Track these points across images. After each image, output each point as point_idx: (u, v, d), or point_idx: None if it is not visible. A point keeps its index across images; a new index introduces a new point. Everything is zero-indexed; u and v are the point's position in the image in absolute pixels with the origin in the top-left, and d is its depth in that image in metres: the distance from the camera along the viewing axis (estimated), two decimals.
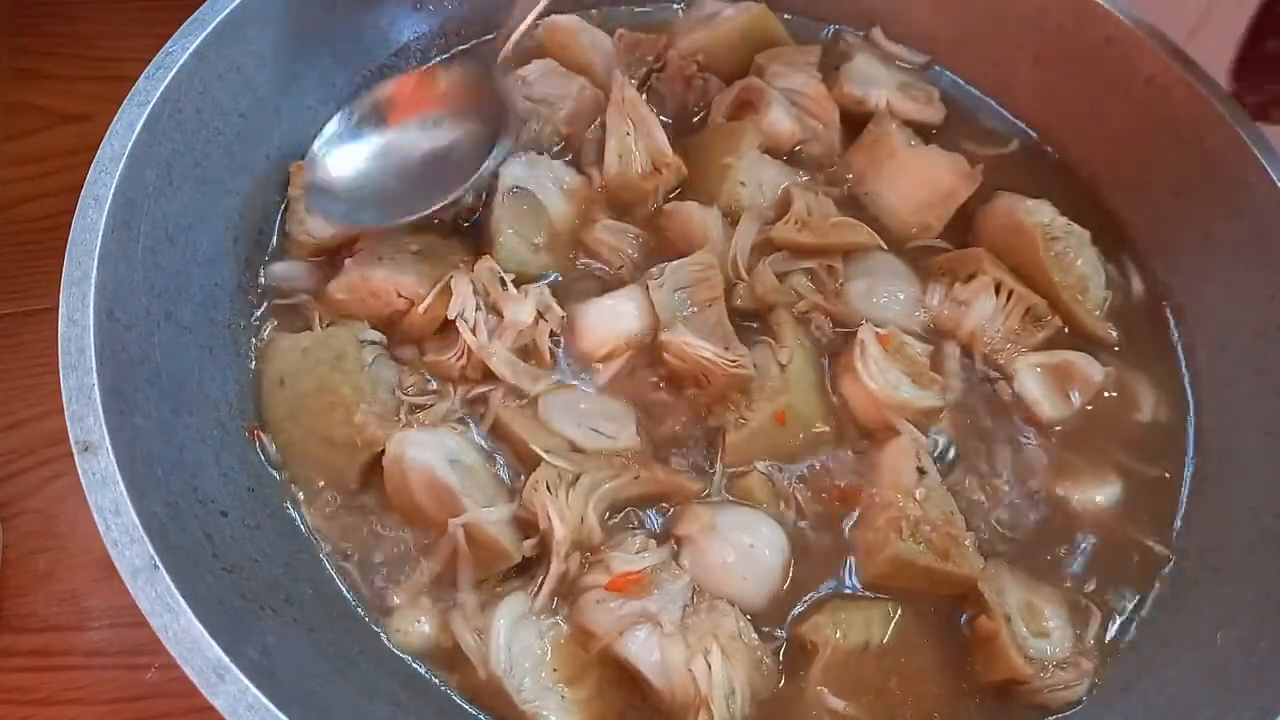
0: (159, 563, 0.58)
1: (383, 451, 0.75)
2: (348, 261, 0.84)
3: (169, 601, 0.57)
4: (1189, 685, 0.72)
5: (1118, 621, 0.78)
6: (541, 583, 0.71)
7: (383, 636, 0.72)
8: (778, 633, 0.74)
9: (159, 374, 0.71)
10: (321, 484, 0.77)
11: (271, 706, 0.55)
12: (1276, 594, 0.73)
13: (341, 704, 0.64)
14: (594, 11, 1.07)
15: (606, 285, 0.87)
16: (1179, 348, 0.91)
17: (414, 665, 0.71)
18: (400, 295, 0.82)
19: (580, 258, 0.89)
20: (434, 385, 0.81)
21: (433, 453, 0.73)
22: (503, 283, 0.81)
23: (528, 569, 0.73)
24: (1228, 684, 0.70)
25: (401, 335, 0.83)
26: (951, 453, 0.83)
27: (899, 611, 0.75)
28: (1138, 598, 0.79)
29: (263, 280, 0.86)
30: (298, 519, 0.76)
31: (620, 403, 0.81)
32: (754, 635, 0.71)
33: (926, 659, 0.74)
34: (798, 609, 0.75)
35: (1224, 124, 0.87)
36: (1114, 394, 0.87)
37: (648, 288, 0.83)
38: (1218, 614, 0.76)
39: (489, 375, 0.80)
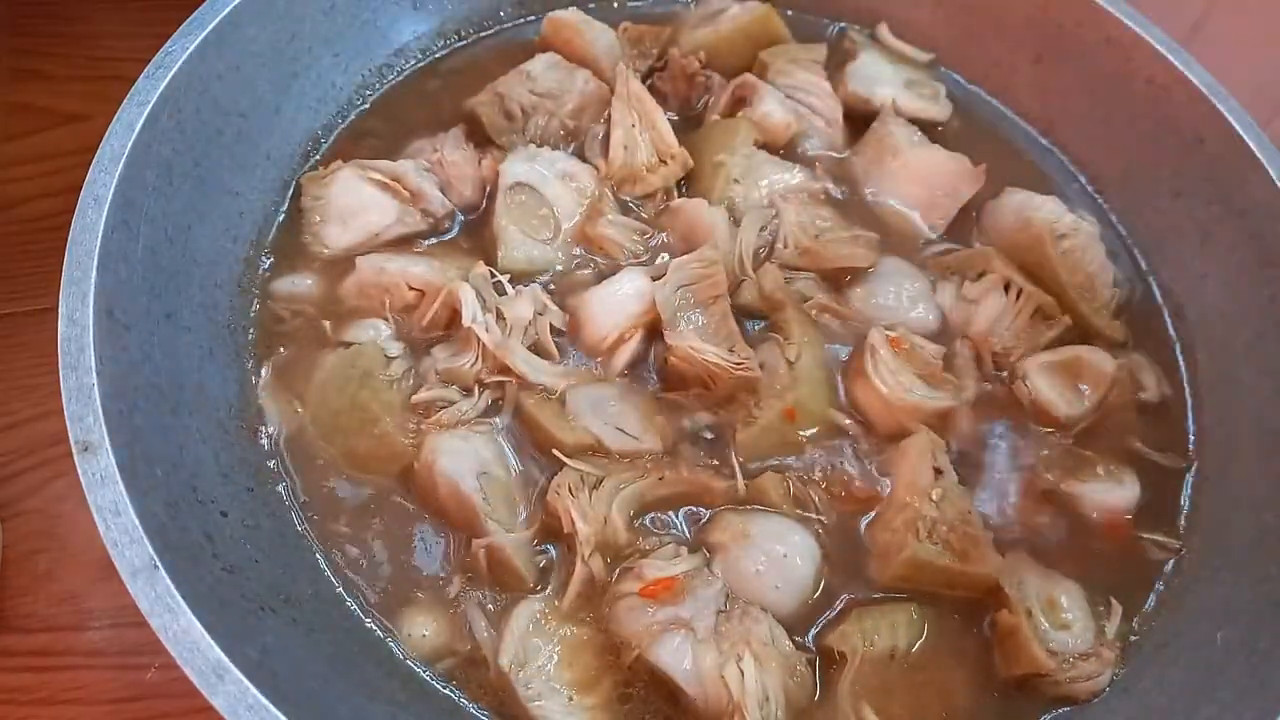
0: (159, 563, 0.58)
1: (415, 459, 0.75)
2: (359, 259, 0.83)
3: (169, 601, 0.57)
4: (1189, 685, 0.72)
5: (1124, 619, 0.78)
6: (566, 584, 0.71)
7: (383, 636, 0.72)
8: (809, 643, 0.73)
9: (159, 374, 0.71)
10: (351, 493, 0.76)
11: (271, 707, 0.55)
12: (1276, 594, 0.73)
13: (341, 704, 0.64)
14: (592, 5, 1.07)
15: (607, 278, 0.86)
16: (1179, 347, 0.91)
17: (414, 666, 0.71)
18: (411, 288, 0.82)
19: (586, 252, 0.88)
20: (454, 390, 0.79)
21: (465, 463, 0.73)
22: (497, 286, 0.81)
23: (550, 577, 0.73)
24: (1228, 684, 0.70)
25: (414, 341, 0.82)
26: (967, 452, 0.82)
27: (920, 613, 0.74)
28: (1148, 594, 0.79)
29: (271, 292, 0.84)
30: (299, 520, 0.76)
31: (646, 400, 0.80)
32: (788, 643, 0.70)
33: (949, 659, 0.73)
34: (824, 619, 0.74)
35: (1224, 124, 0.88)
36: (1126, 395, 0.86)
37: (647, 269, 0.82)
38: (1218, 614, 0.76)
39: (507, 374, 0.79)
